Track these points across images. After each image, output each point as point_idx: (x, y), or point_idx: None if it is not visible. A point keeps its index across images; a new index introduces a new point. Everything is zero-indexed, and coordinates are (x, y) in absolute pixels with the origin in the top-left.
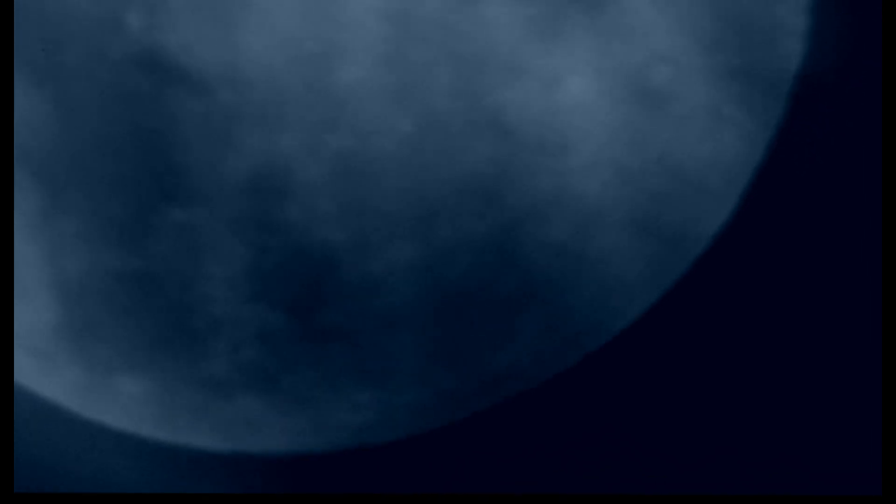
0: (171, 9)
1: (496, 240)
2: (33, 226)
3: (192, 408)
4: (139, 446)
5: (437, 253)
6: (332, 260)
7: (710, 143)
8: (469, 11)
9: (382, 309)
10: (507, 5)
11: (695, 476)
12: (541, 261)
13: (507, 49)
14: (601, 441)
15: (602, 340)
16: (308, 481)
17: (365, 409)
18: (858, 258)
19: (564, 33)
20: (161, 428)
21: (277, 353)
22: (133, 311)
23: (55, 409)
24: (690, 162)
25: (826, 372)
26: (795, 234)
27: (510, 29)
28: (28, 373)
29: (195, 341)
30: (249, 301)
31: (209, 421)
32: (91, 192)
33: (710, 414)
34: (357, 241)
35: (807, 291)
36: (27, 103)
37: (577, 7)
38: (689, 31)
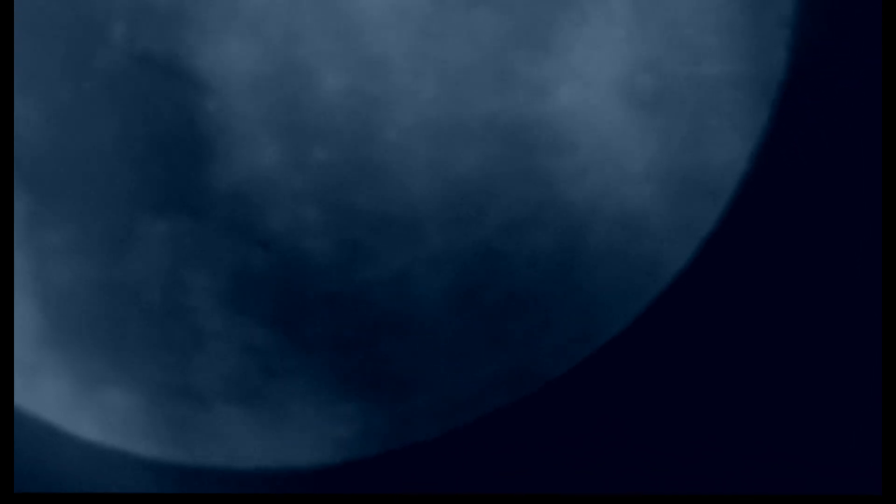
0: (157, 19)
1: (484, 248)
2: (20, 236)
3: (176, 421)
4: (122, 460)
5: (423, 263)
6: (318, 271)
7: (696, 150)
8: (456, 20)
9: (368, 320)
10: (495, 14)
11: (695, 476)
12: (529, 268)
13: (495, 58)
14: (594, 449)
15: (592, 348)
16: (293, 494)
17: (350, 421)
18: (849, 261)
19: (552, 43)
20: (144, 441)
21: (262, 364)
22: (117, 323)
23: (38, 422)
24: (677, 169)
25: (826, 372)
26: (782, 239)
27: (498, 38)
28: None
29: (179, 353)
30: (234, 312)
31: (193, 434)
32: (77, 202)
33: (709, 415)
34: (342, 251)
35: (803, 293)
36: (15, 113)
37: (565, 17)
38: (674, 41)
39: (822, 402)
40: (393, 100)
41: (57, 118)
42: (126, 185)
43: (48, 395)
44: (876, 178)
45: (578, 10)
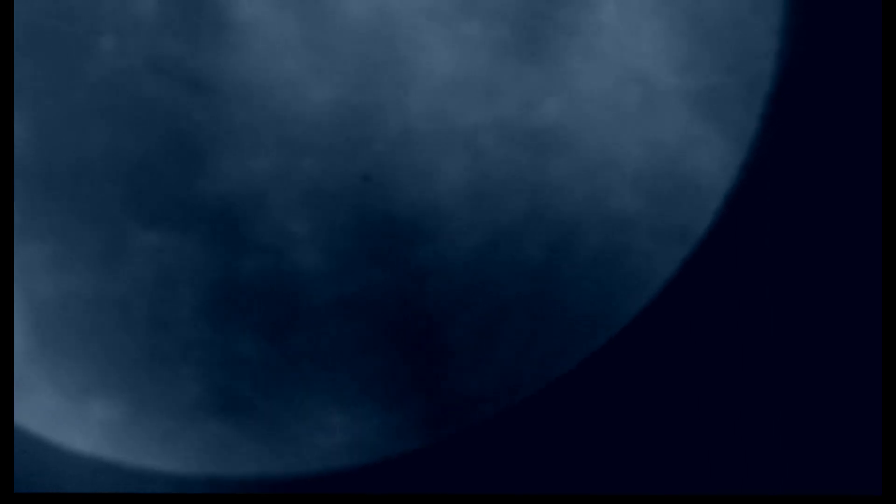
0: (145, 31)
1: (473, 258)
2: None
3: (164, 432)
4: (111, 471)
5: (411, 275)
6: (305, 283)
7: (684, 162)
8: (444, 32)
9: (355, 332)
10: (484, 26)
11: (695, 476)
12: (516, 281)
13: (483, 69)
14: (589, 453)
15: (582, 355)
16: (288, 494)
17: (337, 433)
18: (846, 262)
19: (540, 55)
20: (133, 453)
21: (249, 376)
22: (104, 335)
23: (26, 434)
24: (665, 182)
25: (826, 372)
26: (774, 246)
27: (486, 50)
28: None
29: (166, 365)
30: (221, 324)
31: (180, 445)
32: (65, 215)
33: (708, 415)
34: (330, 264)
35: (799, 295)
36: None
37: (552, 29)
38: (662, 52)
39: (822, 402)
40: (381, 111)
41: (44, 131)
42: (114, 198)
43: (36, 407)
44: (872, 180)
45: (568, 22)
